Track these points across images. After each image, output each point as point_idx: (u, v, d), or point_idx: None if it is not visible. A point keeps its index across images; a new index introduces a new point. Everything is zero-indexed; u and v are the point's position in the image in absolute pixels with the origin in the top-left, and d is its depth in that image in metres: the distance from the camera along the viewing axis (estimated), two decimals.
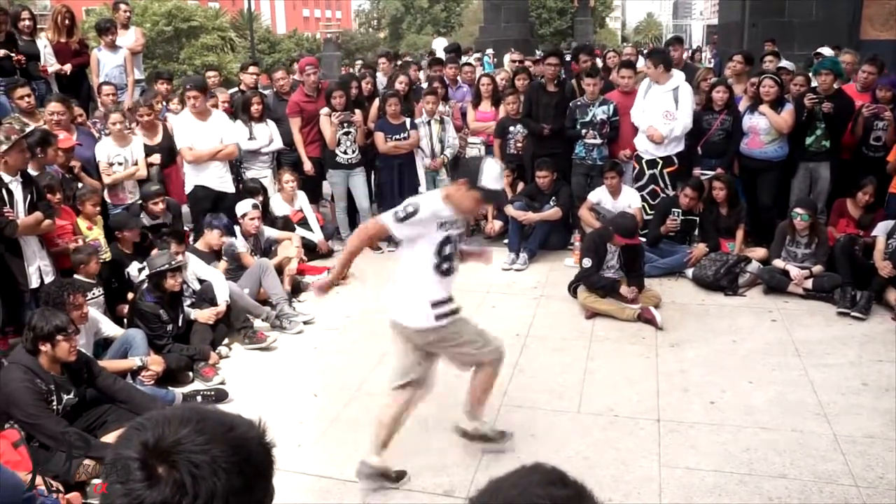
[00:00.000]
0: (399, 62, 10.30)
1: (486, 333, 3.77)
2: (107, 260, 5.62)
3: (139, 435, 0.96)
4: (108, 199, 6.38)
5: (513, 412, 4.38)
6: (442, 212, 3.47)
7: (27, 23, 7.47)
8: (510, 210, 7.30)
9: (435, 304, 3.52)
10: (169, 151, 6.89)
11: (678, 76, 6.83)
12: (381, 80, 9.06)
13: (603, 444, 4.02)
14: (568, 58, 9.40)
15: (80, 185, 5.92)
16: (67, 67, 7.66)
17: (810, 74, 7.40)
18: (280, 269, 6.31)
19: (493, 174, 3.50)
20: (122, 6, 8.62)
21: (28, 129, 5.25)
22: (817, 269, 6.05)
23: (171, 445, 0.94)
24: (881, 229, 6.06)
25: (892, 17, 11.94)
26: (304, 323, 5.82)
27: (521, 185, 7.72)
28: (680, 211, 6.68)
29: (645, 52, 11.69)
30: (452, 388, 4.65)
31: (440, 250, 3.49)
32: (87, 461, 3.60)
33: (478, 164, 3.61)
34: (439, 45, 19.01)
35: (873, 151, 6.79)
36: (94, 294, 5.15)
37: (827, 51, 9.29)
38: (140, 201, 6.47)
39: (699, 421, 4.23)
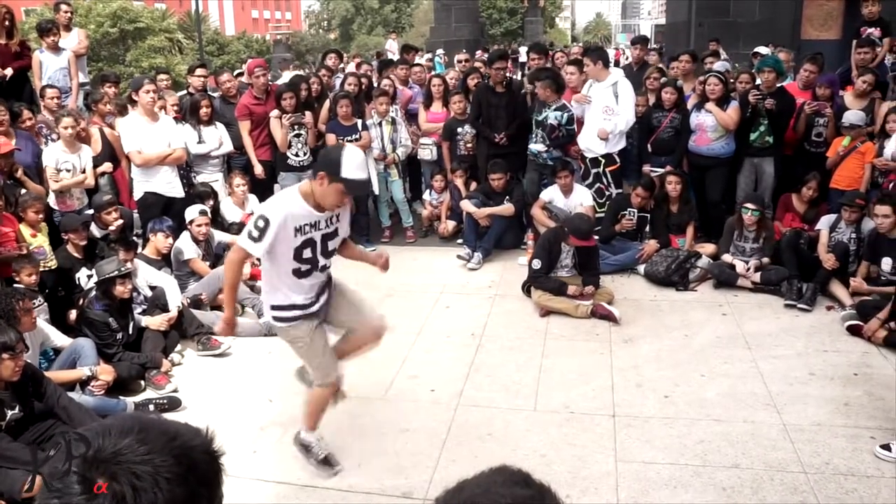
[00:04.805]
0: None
1: (333, 360, 3.72)
2: (52, 268, 5.47)
3: (77, 447, 0.93)
4: (55, 206, 6.18)
5: (469, 411, 4.39)
6: (298, 213, 3.32)
7: None
8: (465, 205, 7.29)
9: (276, 308, 3.54)
10: (110, 159, 6.72)
11: (616, 72, 6.91)
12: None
13: (559, 440, 4.05)
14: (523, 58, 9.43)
15: (23, 190, 5.74)
16: (8, 71, 7.43)
17: (754, 72, 7.57)
18: None
19: (354, 162, 3.24)
20: (63, 6, 8.31)
21: None
22: (764, 261, 6.20)
23: (110, 456, 0.91)
24: (824, 223, 6.23)
25: (830, 18, 12.31)
26: None
27: (473, 185, 7.73)
28: (635, 210, 6.76)
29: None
30: (406, 392, 4.67)
31: (299, 254, 3.39)
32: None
33: (338, 154, 3.27)
34: (393, 47, 18.99)
35: (815, 147, 6.99)
36: (37, 303, 5.01)
37: (764, 50, 9.55)
38: (91, 210, 6.25)
39: (654, 415, 4.29)
